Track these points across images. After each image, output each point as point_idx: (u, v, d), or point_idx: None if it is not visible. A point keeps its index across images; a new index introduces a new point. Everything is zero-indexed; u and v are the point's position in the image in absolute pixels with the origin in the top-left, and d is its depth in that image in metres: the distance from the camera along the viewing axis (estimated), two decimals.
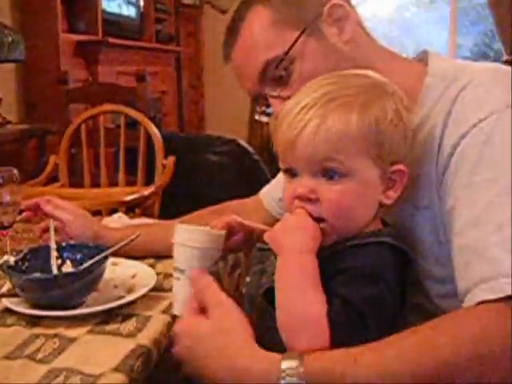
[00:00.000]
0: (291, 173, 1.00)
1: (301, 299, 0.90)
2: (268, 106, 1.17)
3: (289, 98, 1.08)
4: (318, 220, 0.95)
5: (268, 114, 1.20)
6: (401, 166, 0.98)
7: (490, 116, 0.94)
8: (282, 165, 1.01)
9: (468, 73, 1.02)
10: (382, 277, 0.92)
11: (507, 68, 1.04)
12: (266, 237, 0.97)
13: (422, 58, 1.15)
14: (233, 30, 1.14)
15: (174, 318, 1.10)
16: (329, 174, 0.95)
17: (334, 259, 0.95)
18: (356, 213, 0.97)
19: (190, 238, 1.05)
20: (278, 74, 1.10)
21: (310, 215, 0.95)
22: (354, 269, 0.92)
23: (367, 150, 0.95)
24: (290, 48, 1.07)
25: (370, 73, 1.03)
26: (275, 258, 1.00)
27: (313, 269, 0.92)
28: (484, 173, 0.92)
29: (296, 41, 1.08)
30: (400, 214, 1.05)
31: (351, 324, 0.89)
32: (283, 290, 0.93)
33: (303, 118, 0.96)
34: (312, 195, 0.95)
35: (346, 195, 0.95)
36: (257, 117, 1.21)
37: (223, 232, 1.10)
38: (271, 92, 1.12)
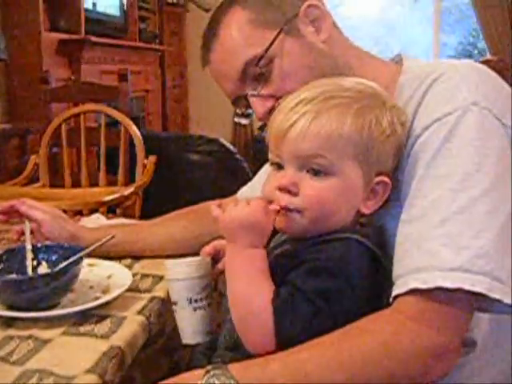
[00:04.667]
0: (278, 165, 1.00)
1: (247, 290, 0.93)
2: (247, 107, 1.17)
3: (270, 96, 1.10)
4: (293, 212, 0.96)
5: (248, 116, 1.20)
6: (385, 178, 0.99)
7: (454, 112, 0.94)
8: (270, 156, 1.02)
9: (441, 67, 1.02)
10: (344, 272, 0.92)
11: (481, 66, 1.04)
12: (220, 223, 0.97)
13: (397, 61, 1.16)
14: (211, 33, 1.14)
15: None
16: (314, 170, 0.96)
17: (300, 252, 0.96)
18: (332, 213, 0.97)
19: (174, 272, 1.07)
20: (258, 73, 1.10)
21: (286, 207, 0.96)
22: (314, 261, 0.93)
23: (355, 154, 0.96)
24: (270, 46, 1.08)
25: (372, 83, 1.03)
26: None
27: (260, 261, 0.95)
28: (439, 167, 0.93)
29: (275, 39, 1.08)
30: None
31: (300, 312, 0.90)
32: (231, 282, 0.95)
33: (299, 110, 0.96)
34: (293, 188, 0.96)
35: (327, 193, 0.96)
36: (236, 119, 1.21)
37: (206, 258, 1.11)
38: (252, 91, 1.12)
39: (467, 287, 0.85)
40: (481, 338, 1.01)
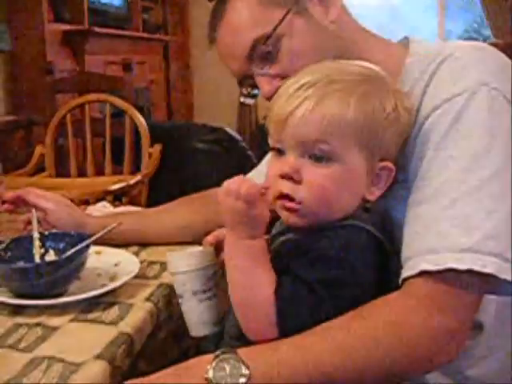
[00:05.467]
0: (279, 151, 0.98)
1: (247, 280, 0.92)
2: (253, 87, 1.16)
3: (277, 75, 1.08)
4: (296, 203, 0.95)
5: (254, 96, 1.19)
6: (389, 164, 0.97)
7: (463, 92, 0.94)
8: (271, 141, 1.00)
9: (449, 48, 1.01)
10: (347, 260, 0.91)
11: (488, 46, 1.03)
12: (222, 208, 0.95)
13: (404, 43, 1.15)
14: (218, 11, 1.13)
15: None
16: (316, 157, 0.94)
17: (305, 242, 0.95)
18: (336, 201, 0.95)
19: (176, 265, 1.07)
20: (265, 51, 1.09)
21: (289, 196, 0.95)
22: (316, 250, 0.92)
23: (359, 139, 0.94)
24: (278, 25, 1.06)
25: (376, 67, 1.02)
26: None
27: (260, 252, 0.93)
28: (448, 149, 0.93)
29: (283, 18, 1.07)
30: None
31: (304, 303, 0.90)
32: (231, 272, 0.95)
33: (301, 95, 0.94)
34: (296, 175, 0.94)
35: (330, 181, 0.94)
36: (242, 99, 1.20)
37: (209, 249, 1.09)
38: (258, 70, 1.11)
39: (478, 268, 0.85)
40: (488, 320, 1.01)
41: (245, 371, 0.84)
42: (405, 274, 0.90)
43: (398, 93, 0.99)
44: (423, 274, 0.88)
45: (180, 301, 1.07)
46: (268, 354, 0.87)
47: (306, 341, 0.88)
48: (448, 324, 0.87)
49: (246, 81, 1.16)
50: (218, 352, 0.88)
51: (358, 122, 0.93)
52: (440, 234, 0.89)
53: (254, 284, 0.92)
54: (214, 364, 0.86)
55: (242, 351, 0.88)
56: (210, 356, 0.88)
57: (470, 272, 0.85)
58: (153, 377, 0.89)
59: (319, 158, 0.94)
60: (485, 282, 0.88)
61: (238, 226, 0.93)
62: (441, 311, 0.87)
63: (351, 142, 0.94)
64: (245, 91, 1.19)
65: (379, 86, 0.98)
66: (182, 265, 1.05)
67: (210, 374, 0.85)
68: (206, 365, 0.86)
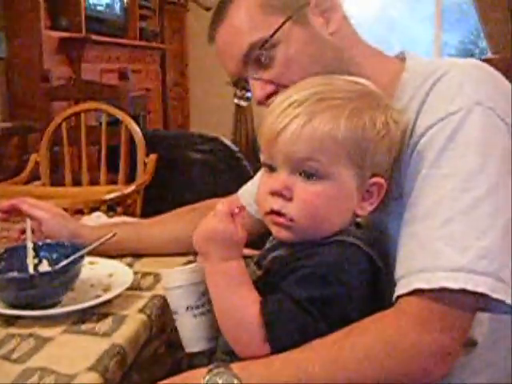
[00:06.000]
0: (270, 167, 0.99)
1: (230, 304, 0.93)
2: (247, 90, 1.17)
3: (270, 81, 1.09)
4: (286, 219, 0.95)
5: (247, 99, 1.20)
6: (380, 180, 0.98)
7: (458, 111, 0.94)
8: (262, 158, 1.01)
9: (444, 65, 1.02)
10: (337, 277, 0.91)
11: (483, 64, 1.04)
12: (193, 243, 0.99)
13: (401, 58, 1.15)
14: (220, 10, 1.13)
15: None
16: (307, 174, 0.94)
17: (294, 258, 0.95)
18: (327, 217, 0.96)
19: (169, 280, 1.07)
20: (261, 56, 1.09)
21: (279, 212, 0.95)
22: (306, 268, 0.92)
23: (349, 157, 0.94)
24: (276, 31, 1.07)
25: (366, 82, 1.02)
26: (255, 265, 1.01)
27: (238, 274, 0.95)
28: (443, 167, 0.93)
29: (282, 25, 1.07)
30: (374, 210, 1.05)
31: (295, 322, 0.90)
32: (214, 298, 0.96)
33: (291, 113, 0.95)
34: (286, 192, 0.95)
35: (320, 198, 0.94)
36: (236, 101, 1.21)
37: (199, 264, 1.08)
38: (253, 74, 1.11)
39: (470, 288, 0.85)
40: (481, 337, 1.01)
41: None
42: (399, 291, 0.91)
43: (388, 106, 1.00)
44: (416, 292, 0.88)
45: (175, 317, 1.07)
46: (261, 369, 0.88)
47: (299, 356, 0.88)
48: (441, 342, 0.87)
49: (240, 83, 1.16)
50: (211, 366, 0.88)
51: (349, 140, 0.94)
52: (433, 252, 0.89)
53: (237, 307, 0.93)
54: (207, 378, 0.86)
55: (236, 366, 0.88)
56: (204, 369, 0.88)
57: (462, 291, 0.86)
58: None
59: (310, 175, 0.95)
60: (478, 301, 0.88)
61: (210, 248, 0.95)
62: (434, 329, 0.87)
63: (342, 159, 0.94)
64: (239, 93, 1.20)
65: (369, 102, 0.98)
66: (176, 280, 1.06)
67: None
68: (199, 378, 0.87)
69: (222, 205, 0.96)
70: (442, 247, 0.88)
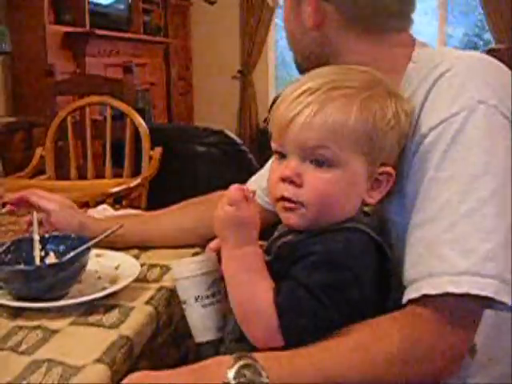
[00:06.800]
0: (281, 154, 1.00)
1: (246, 291, 0.94)
2: None
3: None
4: (297, 204, 0.96)
5: None
6: (389, 169, 0.98)
7: (460, 112, 0.93)
8: (273, 145, 1.01)
9: (448, 59, 1.01)
10: (347, 263, 0.92)
11: (490, 58, 1.03)
12: (213, 228, 0.99)
13: (409, 43, 1.13)
14: None
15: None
16: (318, 161, 0.95)
17: (304, 244, 0.96)
18: (336, 204, 0.96)
19: (178, 271, 1.08)
20: None
21: (290, 199, 0.96)
22: (316, 254, 0.92)
23: (360, 145, 0.95)
24: None
25: (377, 73, 1.02)
26: (264, 251, 1.01)
27: (255, 260, 0.95)
28: (447, 169, 0.93)
29: None
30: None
31: (305, 308, 0.90)
32: (229, 283, 0.96)
33: (303, 100, 0.95)
34: (297, 179, 0.95)
35: (331, 185, 0.95)
36: None
37: (212, 254, 1.10)
38: None
39: (475, 292, 0.86)
40: (481, 338, 1.01)
41: (265, 380, 0.85)
42: (410, 295, 0.91)
43: (399, 97, 1.00)
44: (426, 297, 0.89)
45: (184, 307, 1.08)
46: (285, 365, 0.88)
47: (320, 356, 0.89)
48: (453, 344, 0.89)
49: None
50: (236, 355, 0.88)
51: (359, 128, 0.94)
52: (440, 257, 0.90)
53: (252, 294, 0.93)
54: (234, 369, 0.85)
55: (260, 357, 0.88)
56: (229, 359, 0.88)
57: (468, 295, 0.87)
58: (163, 373, 0.90)
59: (320, 163, 0.95)
60: (483, 303, 0.89)
61: (227, 233, 0.96)
62: (445, 332, 0.89)
63: (352, 147, 0.95)
64: None
65: (380, 92, 0.98)
66: (185, 270, 1.06)
67: (230, 378, 0.85)
68: (224, 368, 0.86)
69: (235, 190, 0.96)
70: (448, 251, 0.89)
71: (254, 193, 0.98)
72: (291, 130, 0.96)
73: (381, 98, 0.97)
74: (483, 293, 0.86)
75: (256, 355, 0.87)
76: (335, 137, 0.94)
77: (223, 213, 0.96)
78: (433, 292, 0.88)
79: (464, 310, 0.89)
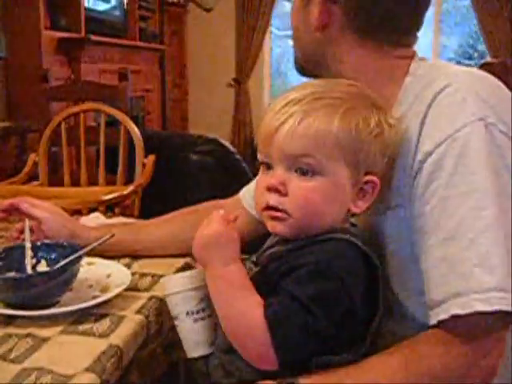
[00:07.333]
0: (267, 165, 1.01)
1: (233, 310, 0.94)
2: None
3: None
4: (282, 212, 0.97)
5: None
6: (374, 178, 0.99)
7: (463, 128, 0.94)
8: (259, 156, 1.03)
9: (445, 75, 1.02)
10: (336, 274, 0.92)
11: (483, 74, 1.04)
12: (193, 252, 1.01)
13: (407, 55, 1.13)
14: None
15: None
16: (302, 170, 0.97)
17: (292, 255, 0.97)
18: (321, 212, 0.98)
19: (169, 286, 1.08)
20: None
21: (276, 207, 0.97)
22: (305, 266, 0.93)
23: (343, 154, 0.96)
24: None
25: (362, 85, 1.04)
26: (252, 263, 1.02)
27: (239, 278, 0.96)
28: (459, 185, 0.93)
29: None
30: (372, 213, 1.06)
31: (297, 321, 0.90)
32: (217, 304, 0.97)
33: (288, 110, 0.97)
34: (282, 188, 0.97)
35: (315, 193, 0.96)
36: None
37: (201, 269, 1.08)
38: None
39: (505, 308, 0.87)
40: None
41: None
42: (439, 316, 0.92)
43: (383, 110, 1.01)
44: (455, 317, 0.89)
45: (176, 323, 1.08)
46: None
47: (368, 377, 0.92)
48: (486, 364, 0.91)
49: None
50: (280, 380, 0.90)
51: (342, 137, 0.96)
52: (464, 275, 0.90)
53: (240, 311, 0.94)
54: None
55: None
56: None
57: (497, 312, 0.87)
58: None
59: (304, 171, 0.97)
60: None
61: (209, 254, 0.97)
62: (478, 352, 0.90)
63: (336, 156, 0.96)
64: None
65: (364, 103, 1.00)
66: (175, 286, 1.07)
67: None
68: None
69: (216, 214, 0.99)
70: (472, 268, 0.89)
71: (237, 217, 1.00)
72: (276, 140, 0.97)
73: (364, 108, 0.99)
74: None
75: (300, 379, 0.90)
76: (319, 145, 0.95)
77: (202, 234, 0.98)
78: (462, 312, 0.88)
79: (494, 326, 0.90)
